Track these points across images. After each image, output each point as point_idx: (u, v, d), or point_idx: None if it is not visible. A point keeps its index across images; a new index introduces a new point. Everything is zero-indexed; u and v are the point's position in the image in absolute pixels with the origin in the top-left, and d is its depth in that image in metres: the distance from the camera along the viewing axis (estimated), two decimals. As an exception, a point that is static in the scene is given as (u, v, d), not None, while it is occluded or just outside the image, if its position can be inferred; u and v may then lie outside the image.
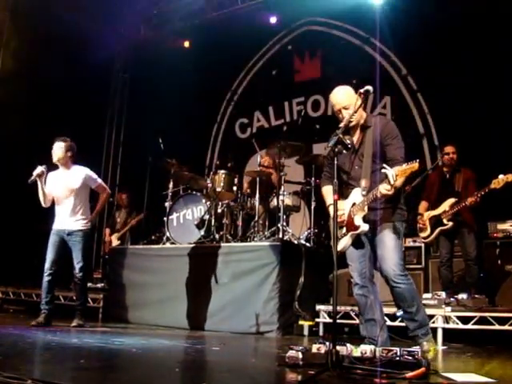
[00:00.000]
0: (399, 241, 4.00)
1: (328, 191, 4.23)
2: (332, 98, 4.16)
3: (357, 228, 3.97)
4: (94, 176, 6.37)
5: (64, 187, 6.15)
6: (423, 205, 6.69)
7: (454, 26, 7.80)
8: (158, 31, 11.34)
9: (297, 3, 9.64)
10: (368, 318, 4.06)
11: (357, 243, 4.08)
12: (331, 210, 4.03)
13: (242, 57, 10.58)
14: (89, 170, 6.34)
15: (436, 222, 6.44)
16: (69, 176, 6.19)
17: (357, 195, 3.99)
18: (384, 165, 3.69)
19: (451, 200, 6.34)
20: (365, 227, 3.94)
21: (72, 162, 6.25)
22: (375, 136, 4.01)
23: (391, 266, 3.88)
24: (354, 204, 4.01)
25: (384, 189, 3.67)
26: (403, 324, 4.18)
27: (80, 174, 6.21)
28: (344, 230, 4.07)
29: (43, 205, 6.25)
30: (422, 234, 6.60)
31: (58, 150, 6.16)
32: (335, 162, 3.59)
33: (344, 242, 4.07)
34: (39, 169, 6.07)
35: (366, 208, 3.93)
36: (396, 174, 3.57)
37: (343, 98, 4.08)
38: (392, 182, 3.57)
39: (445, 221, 6.34)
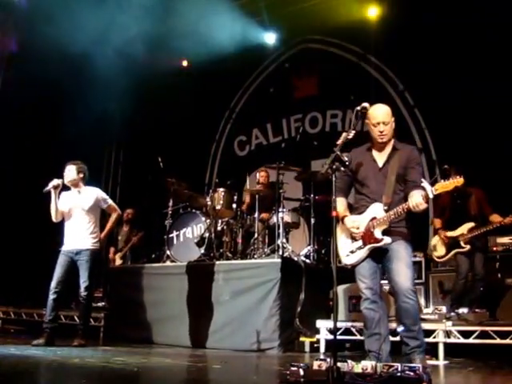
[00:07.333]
0: (412, 258, 4.14)
1: (340, 203, 4.26)
2: (375, 112, 4.13)
3: (378, 241, 4.04)
4: (105, 197, 6.44)
5: (75, 207, 6.19)
6: (438, 221, 6.73)
7: (451, 41, 7.89)
8: (156, 51, 11.40)
9: (294, 21, 9.74)
10: (374, 332, 4.10)
11: (371, 259, 4.14)
12: (346, 221, 4.19)
13: (239, 75, 10.68)
14: (100, 190, 6.43)
15: (453, 243, 6.47)
16: (80, 196, 6.23)
17: (377, 209, 4.09)
18: (422, 179, 3.91)
19: (469, 224, 6.40)
20: (388, 240, 4.03)
21: (83, 184, 6.31)
22: (402, 159, 4.14)
23: (407, 280, 3.95)
24: (374, 218, 4.09)
25: (416, 202, 3.81)
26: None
27: (91, 194, 6.27)
28: (360, 243, 4.12)
29: (53, 219, 6.24)
30: (436, 254, 6.63)
31: (70, 171, 6.23)
32: (333, 179, 3.64)
33: (360, 255, 4.13)
34: (55, 181, 6.12)
35: (388, 222, 4.03)
36: (436, 188, 3.78)
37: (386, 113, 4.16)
38: (431, 196, 3.77)
39: (462, 243, 6.40)
